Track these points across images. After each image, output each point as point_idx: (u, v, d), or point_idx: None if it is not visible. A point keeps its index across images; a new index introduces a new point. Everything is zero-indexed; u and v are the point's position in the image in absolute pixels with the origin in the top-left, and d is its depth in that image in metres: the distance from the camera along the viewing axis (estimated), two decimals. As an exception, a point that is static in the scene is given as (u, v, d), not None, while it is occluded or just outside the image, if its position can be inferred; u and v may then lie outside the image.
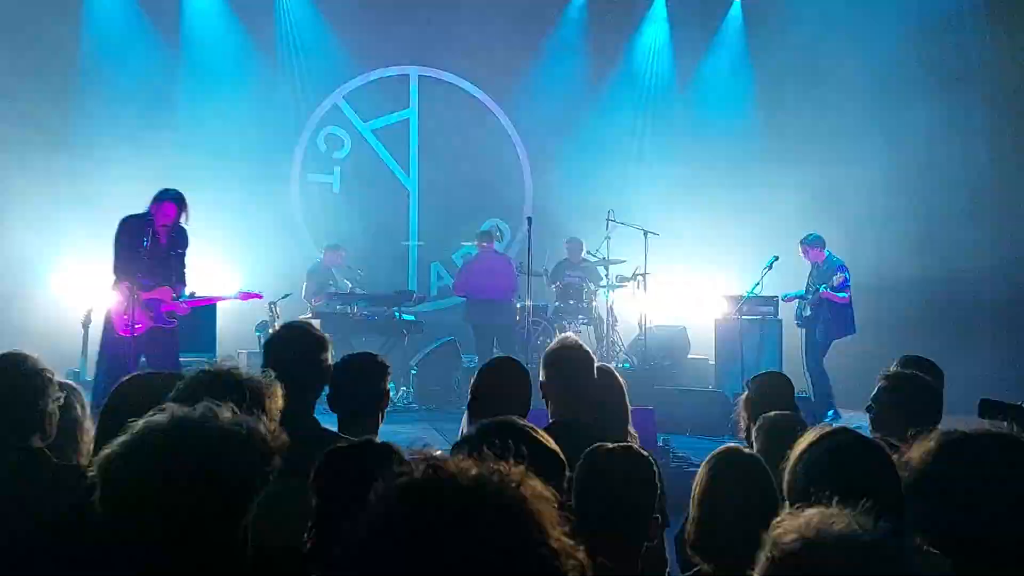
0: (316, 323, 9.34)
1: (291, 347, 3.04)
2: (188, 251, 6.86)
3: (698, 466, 6.13)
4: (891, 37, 11.09)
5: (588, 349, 3.48)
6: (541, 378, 3.36)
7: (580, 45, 13.18)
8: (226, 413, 1.57)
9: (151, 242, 6.41)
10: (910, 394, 3.34)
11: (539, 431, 2.17)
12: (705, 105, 12.86)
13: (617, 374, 3.73)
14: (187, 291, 6.85)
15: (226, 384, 2.06)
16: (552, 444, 2.15)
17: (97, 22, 11.30)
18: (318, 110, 12.55)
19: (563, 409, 3.21)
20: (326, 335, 3.18)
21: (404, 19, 12.35)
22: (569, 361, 3.33)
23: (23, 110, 10.15)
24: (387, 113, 12.85)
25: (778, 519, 1.37)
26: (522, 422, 2.15)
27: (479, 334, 10.20)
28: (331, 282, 10.77)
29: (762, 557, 1.33)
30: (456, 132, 12.62)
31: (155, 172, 10.08)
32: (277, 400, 2.18)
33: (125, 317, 6.43)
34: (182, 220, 6.67)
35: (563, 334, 3.76)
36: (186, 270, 6.84)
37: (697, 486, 2.50)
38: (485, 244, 10.60)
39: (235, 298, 7.60)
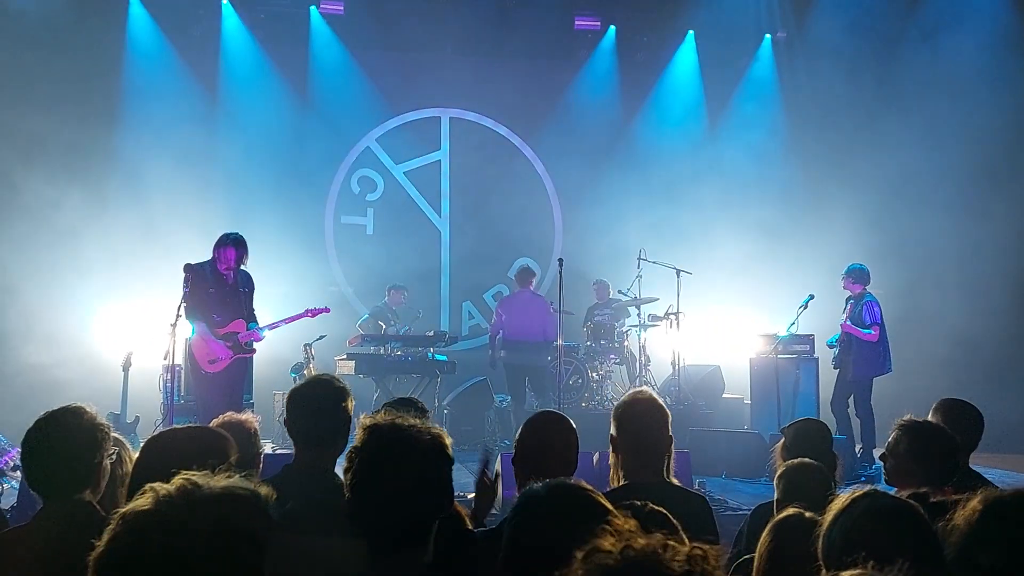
0: (351, 364, 9.57)
1: (310, 403, 3.05)
2: (255, 293, 7.21)
3: (735, 509, 6.02)
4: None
5: (662, 403, 3.41)
6: (612, 431, 3.33)
7: (609, 85, 13.24)
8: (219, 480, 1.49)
9: (218, 282, 6.84)
10: (926, 445, 3.30)
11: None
12: (736, 142, 12.82)
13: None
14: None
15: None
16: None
17: (137, 66, 11.61)
18: (351, 153, 12.75)
19: (632, 465, 3.20)
20: (347, 388, 3.16)
21: (435, 62, 12.54)
22: (639, 416, 3.28)
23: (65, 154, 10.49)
24: (419, 155, 13.02)
25: None
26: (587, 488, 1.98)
27: (511, 374, 9.96)
28: (392, 322, 10.93)
29: None
30: (487, 173, 12.74)
31: (192, 214, 10.34)
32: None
33: (208, 354, 6.83)
34: (243, 263, 6.98)
35: (637, 387, 3.71)
36: (254, 309, 7.20)
37: (759, 554, 2.45)
38: (522, 284, 10.19)
39: (304, 315, 7.76)
